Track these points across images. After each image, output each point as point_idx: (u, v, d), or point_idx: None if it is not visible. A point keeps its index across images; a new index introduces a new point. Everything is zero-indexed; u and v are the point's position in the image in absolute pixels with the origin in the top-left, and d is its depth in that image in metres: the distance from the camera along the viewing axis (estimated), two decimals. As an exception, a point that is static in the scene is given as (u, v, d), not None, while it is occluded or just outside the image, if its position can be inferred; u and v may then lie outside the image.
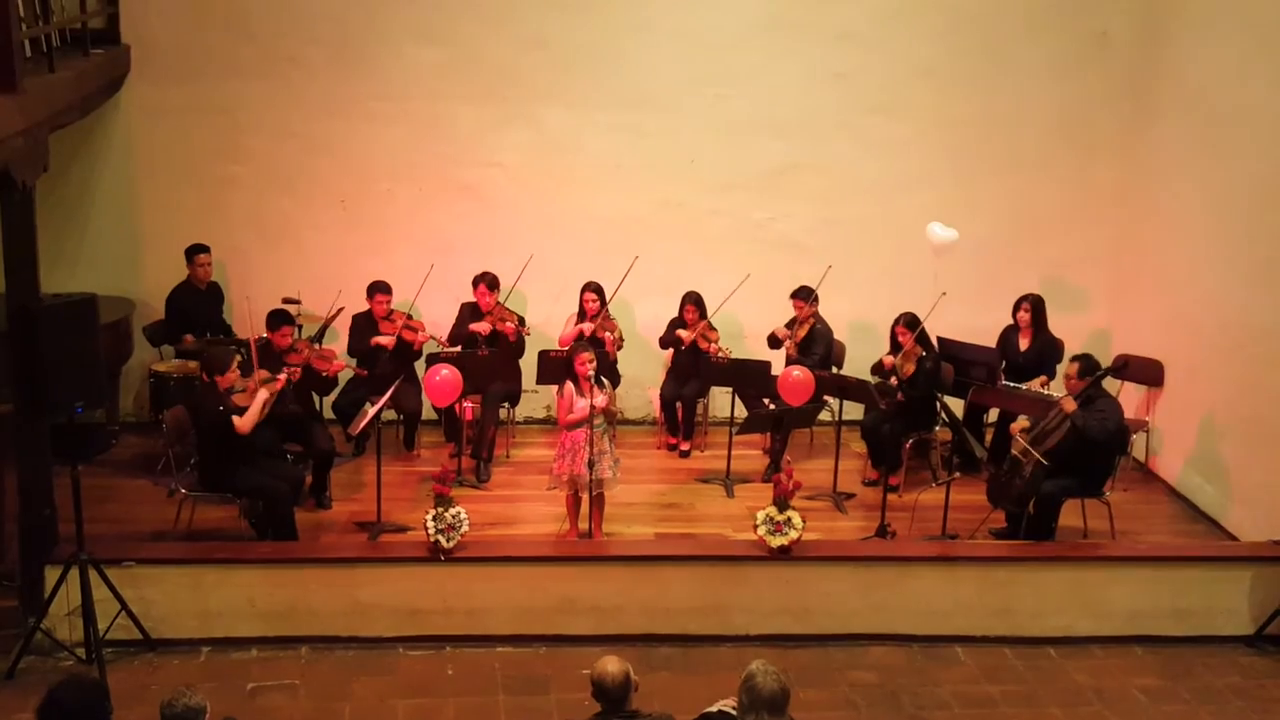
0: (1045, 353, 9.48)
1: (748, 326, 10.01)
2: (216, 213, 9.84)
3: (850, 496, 9.18)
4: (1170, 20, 9.80)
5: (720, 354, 9.37)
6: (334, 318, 9.30)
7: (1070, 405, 8.08)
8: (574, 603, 7.59)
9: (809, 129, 10.15)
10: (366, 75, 9.78)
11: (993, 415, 9.66)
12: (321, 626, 7.46)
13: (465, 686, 7.11)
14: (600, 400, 7.91)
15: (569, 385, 7.99)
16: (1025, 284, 9.73)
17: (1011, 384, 9.22)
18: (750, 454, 9.82)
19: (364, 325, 9.35)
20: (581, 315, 9.63)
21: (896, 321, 9.19)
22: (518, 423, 10.23)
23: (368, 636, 7.47)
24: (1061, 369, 8.89)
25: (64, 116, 7.98)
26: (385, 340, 9.26)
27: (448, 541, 7.41)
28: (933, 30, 10.06)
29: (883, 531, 8.39)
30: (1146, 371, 9.79)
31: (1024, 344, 9.54)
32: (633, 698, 4.86)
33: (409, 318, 9.37)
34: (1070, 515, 8.44)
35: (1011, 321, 9.59)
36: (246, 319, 8.74)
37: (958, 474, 8.60)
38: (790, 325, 9.65)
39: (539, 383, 9.35)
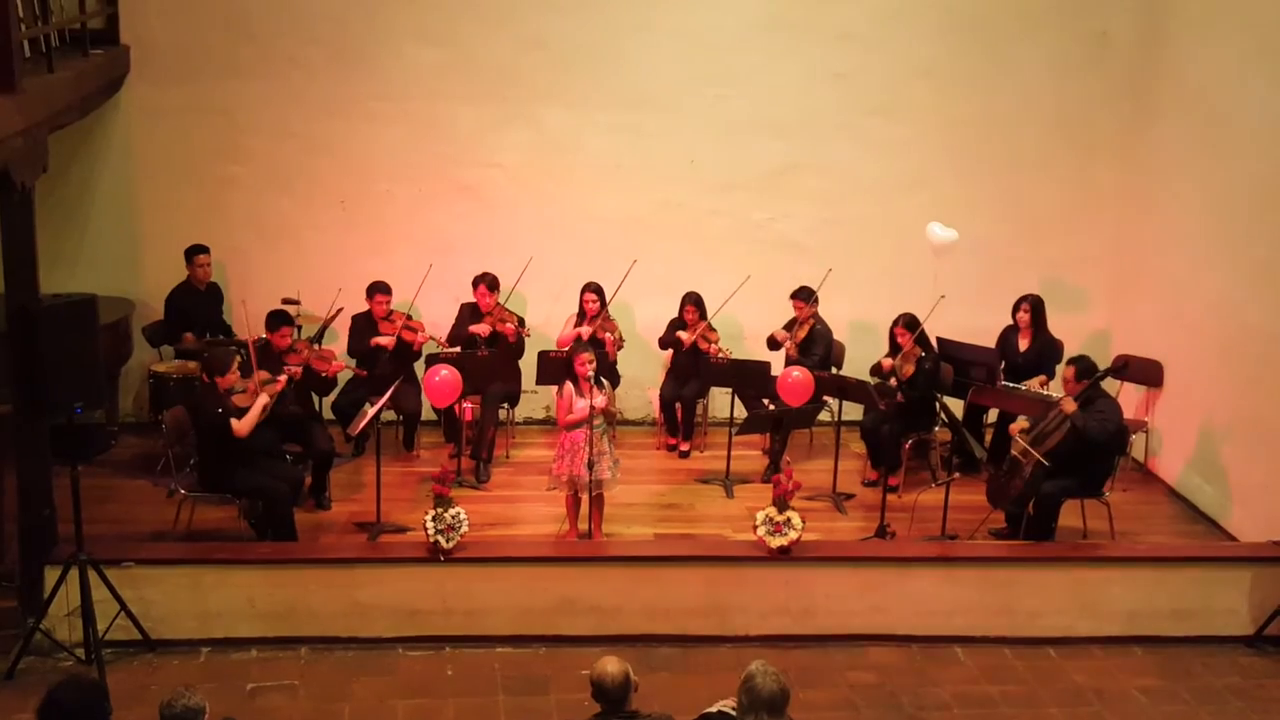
0: (1045, 353, 9.48)
1: (748, 327, 10.00)
2: (216, 213, 9.84)
3: (850, 497, 9.18)
4: (1170, 20, 9.80)
5: (720, 355, 9.37)
6: (333, 318, 9.29)
7: (1070, 406, 8.08)
8: (574, 603, 7.58)
9: (809, 129, 10.16)
10: (366, 75, 9.78)
11: (992, 416, 9.66)
12: (321, 627, 7.45)
13: (465, 687, 7.11)
14: (600, 401, 7.91)
15: (568, 386, 7.99)
16: (1025, 284, 9.73)
17: (1011, 384, 9.22)
18: (750, 454, 9.82)
19: (363, 326, 9.35)
20: (581, 315, 9.63)
21: (896, 322, 9.19)
22: (517, 423, 10.23)
23: (367, 637, 7.47)
24: (1061, 369, 8.89)
25: (63, 117, 7.98)
26: (385, 341, 9.26)
27: (447, 542, 7.41)
28: (933, 30, 10.06)
29: (882, 532, 8.39)
30: (1146, 372, 9.79)
31: (1023, 344, 9.54)
32: (632, 698, 4.85)
33: (408, 318, 9.37)
34: (1070, 516, 8.44)
35: (1011, 322, 9.59)
36: (243, 321, 8.74)
37: (957, 474, 8.61)
38: (789, 327, 9.65)
39: (539, 383, 9.35)
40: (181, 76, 9.58)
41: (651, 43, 9.94)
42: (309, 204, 9.99)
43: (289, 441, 8.50)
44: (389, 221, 10.04)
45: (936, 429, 9.41)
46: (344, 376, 9.28)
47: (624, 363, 9.77)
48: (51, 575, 7.09)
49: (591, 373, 7.92)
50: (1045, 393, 8.96)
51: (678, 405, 9.89)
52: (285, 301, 9.13)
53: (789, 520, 7.55)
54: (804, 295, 9.55)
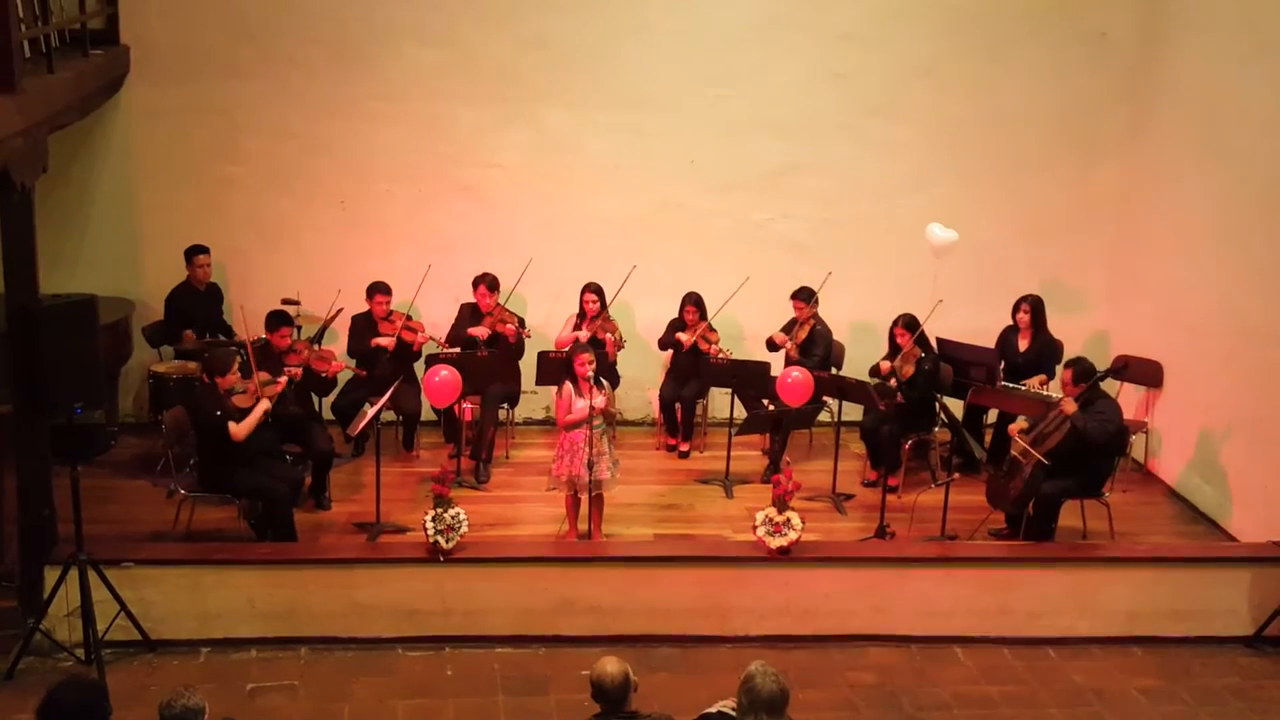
0: (1045, 354, 9.48)
1: (748, 328, 10.00)
2: (216, 213, 9.84)
3: (849, 497, 9.18)
4: (1170, 20, 9.80)
5: (720, 355, 9.37)
6: (333, 318, 9.29)
7: (1070, 407, 8.08)
8: (573, 604, 7.58)
9: (809, 129, 10.15)
10: (366, 75, 9.78)
11: (992, 416, 9.66)
12: (321, 627, 7.45)
13: (465, 687, 7.11)
14: (599, 401, 7.91)
15: (568, 386, 7.99)
16: (1025, 285, 9.73)
17: (1010, 384, 9.22)
18: (749, 455, 9.82)
19: (363, 326, 9.35)
20: (581, 316, 9.63)
21: (895, 323, 9.19)
22: (517, 424, 10.23)
23: (367, 637, 7.47)
24: (1060, 370, 8.89)
25: (63, 117, 7.98)
26: (385, 341, 9.26)
27: (447, 542, 7.41)
28: (933, 30, 10.06)
29: (882, 532, 8.39)
30: (1146, 373, 9.79)
31: (1023, 345, 9.54)
32: (632, 698, 4.86)
33: (408, 318, 9.37)
34: (1070, 516, 8.44)
35: (1011, 322, 9.59)
36: (243, 322, 8.74)
37: (957, 475, 8.62)
38: (788, 328, 9.65)
39: (538, 384, 9.35)
40: (181, 77, 9.58)
41: (651, 43, 9.94)
42: (309, 204, 9.99)
43: (289, 442, 8.50)
44: (389, 222, 10.04)
45: (936, 429, 9.41)
46: (344, 377, 9.28)
47: (624, 363, 9.77)
48: (51, 575, 7.08)
49: (591, 373, 7.92)
50: (1045, 393, 8.95)
51: (677, 406, 9.88)
52: (285, 302, 9.14)
53: (789, 521, 7.55)
54: (804, 296, 9.55)
